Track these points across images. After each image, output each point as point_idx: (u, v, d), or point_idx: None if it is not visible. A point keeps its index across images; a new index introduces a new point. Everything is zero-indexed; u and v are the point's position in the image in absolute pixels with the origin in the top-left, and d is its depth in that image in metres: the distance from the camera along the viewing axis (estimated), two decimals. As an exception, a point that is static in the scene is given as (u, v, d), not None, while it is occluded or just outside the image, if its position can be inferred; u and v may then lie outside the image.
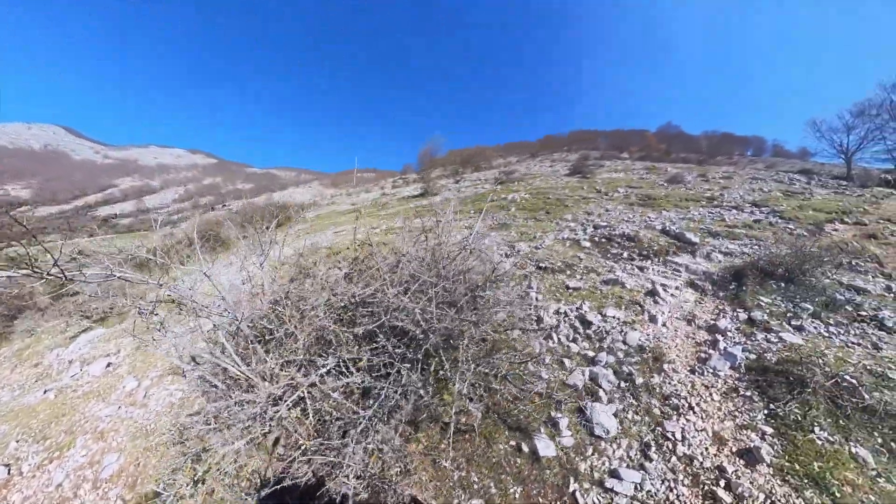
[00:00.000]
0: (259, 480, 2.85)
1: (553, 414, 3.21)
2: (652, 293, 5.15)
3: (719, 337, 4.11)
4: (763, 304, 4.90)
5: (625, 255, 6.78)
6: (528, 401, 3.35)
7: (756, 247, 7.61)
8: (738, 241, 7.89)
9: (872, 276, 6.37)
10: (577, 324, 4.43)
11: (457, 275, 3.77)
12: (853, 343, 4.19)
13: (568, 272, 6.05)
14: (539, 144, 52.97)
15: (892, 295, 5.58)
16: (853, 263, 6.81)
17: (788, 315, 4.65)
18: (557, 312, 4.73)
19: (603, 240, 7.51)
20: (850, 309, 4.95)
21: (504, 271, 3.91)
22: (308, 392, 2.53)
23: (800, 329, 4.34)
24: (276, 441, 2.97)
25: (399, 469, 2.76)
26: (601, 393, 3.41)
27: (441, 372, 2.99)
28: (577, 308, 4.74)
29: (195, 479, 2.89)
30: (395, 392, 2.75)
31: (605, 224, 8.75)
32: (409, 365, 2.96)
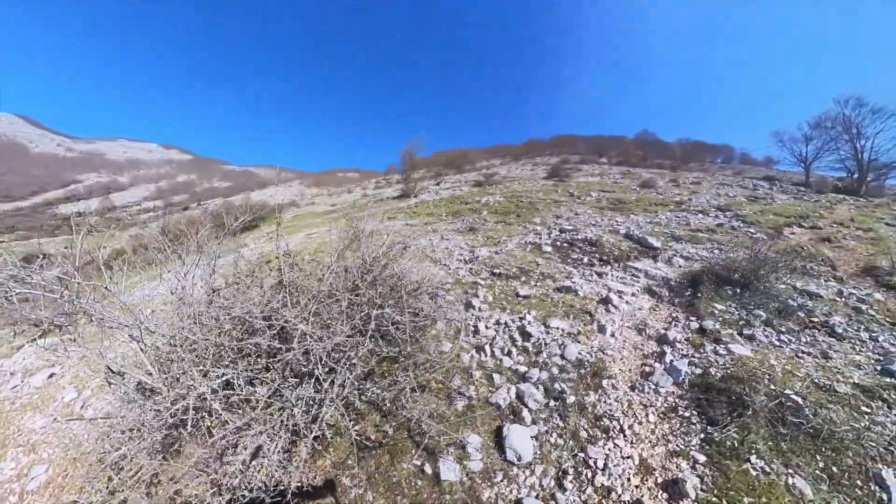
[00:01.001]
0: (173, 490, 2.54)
1: (466, 435, 2.88)
2: (605, 301, 4.90)
3: (667, 349, 3.87)
4: (716, 311, 4.73)
5: (585, 260, 6.56)
6: (445, 419, 3.04)
7: (716, 251, 7.58)
8: (700, 246, 7.84)
9: (825, 280, 6.38)
10: (517, 335, 4.11)
11: (371, 286, 3.40)
12: (803, 352, 4.05)
13: (523, 278, 5.76)
14: (522, 148, 53.40)
15: (842, 300, 5.55)
16: (807, 267, 6.83)
17: (741, 323, 4.49)
18: (498, 323, 4.40)
19: (565, 244, 7.28)
20: (802, 315, 4.86)
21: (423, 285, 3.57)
22: (201, 402, 2.43)
23: (751, 338, 4.17)
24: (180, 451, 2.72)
25: (299, 484, 2.43)
26: (525, 413, 3.08)
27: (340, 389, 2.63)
28: (520, 318, 4.42)
29: (110, 488, 2.75)
30: (292, 406, 2.44)
31: (570, 228, 8.56)
32: (297, 380, 2.65)
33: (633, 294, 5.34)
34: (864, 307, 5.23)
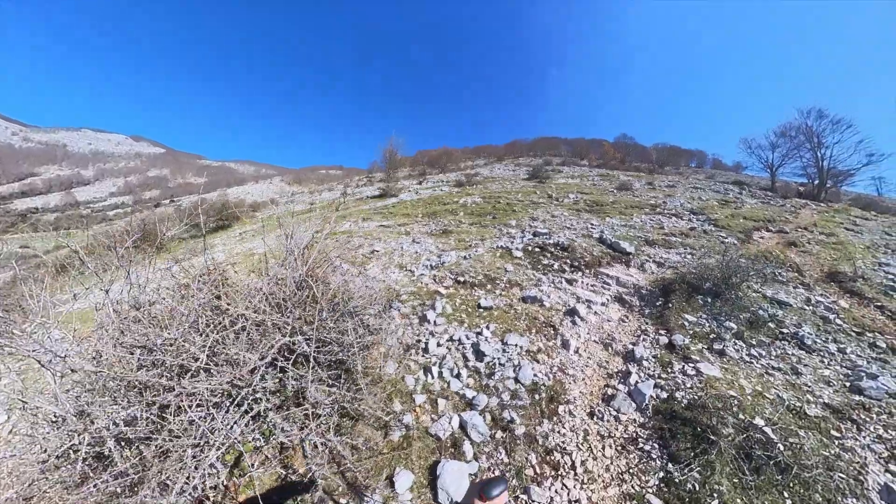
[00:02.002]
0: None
1: (397, 472, 2.47)
2: (572, 312, 4.58)
3: (633, 368, 3.56)
4: (687, 323, 4.49)
5: (556, 266, 6.26)
6: (377, 451, 2.63)
7: (689, 256, 7.47)
8: (673, 250, 7.71)
9: (794, 287, 6.34)
10: (470, 354, 3.71)
11: (300, 305, 2.93)
12: (774, 368, 3.86)
13: (488, 286, 5.39)
14: (505, 149, 53.44)
15: (810, 308, 5.48)
16: (776, 274, 6.80)
17: (711, 337, 4.27)
18: (451, 339, 4.00)
19: (536, 249, 6.97)
20: (772, 326, 4.71)
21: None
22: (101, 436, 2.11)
23: (721, 354, 3.94)
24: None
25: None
26: (467, 446, 2.69)
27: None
28: (477, 334, 4.04)
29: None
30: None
31: (544, 231, 8.28)
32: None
33: (603, 304, 5.06)
34: (831, 316, 5.17)
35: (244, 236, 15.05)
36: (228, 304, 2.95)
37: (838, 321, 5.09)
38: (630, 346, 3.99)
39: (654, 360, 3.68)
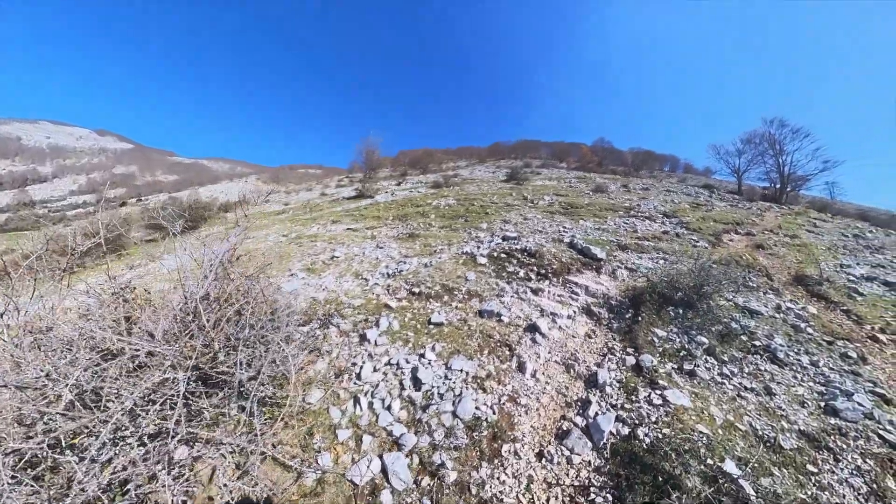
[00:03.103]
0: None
1: None
2: (533, 328, 4.12)
3: (594, 396, 3.12)
4: (657, 339, 4.12)
5: (521, 273, 5.81)
6: (286, 499, 2.07)
7: (662, 261, 7.24)
8: (646, 255, 7.46)
9: (764, 293, 6.18)
10: (408, 381, 3.18)
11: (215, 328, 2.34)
12: (746, 389, 3.52)
13: (445, 298, 4.87)
14: (487, 151, 53.46)
15: (781, 316, 5.29)
16: (746, 278, 6.64)
17: (682, 354, 3.91)
18: (390, 363, 3.45)
19: (503, 255, 6.52)
20: (744, 339, 4.44)
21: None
22: None
23: (692, 375, 3.57)
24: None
25: None
26: (386, 496, 2.17)
27: None
28: (420, 356, 3.51)
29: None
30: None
31: (514, 235, 7.86)
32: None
33: (570, 316, 4.64)
34: (802, 325, 4.97)
35: (207, 240, 13.98)
36: (121, 334, 2.33)
37: (809, 329, 4.89)
38: (594, 368, 3.56)
39: (618, 385, 3.26)
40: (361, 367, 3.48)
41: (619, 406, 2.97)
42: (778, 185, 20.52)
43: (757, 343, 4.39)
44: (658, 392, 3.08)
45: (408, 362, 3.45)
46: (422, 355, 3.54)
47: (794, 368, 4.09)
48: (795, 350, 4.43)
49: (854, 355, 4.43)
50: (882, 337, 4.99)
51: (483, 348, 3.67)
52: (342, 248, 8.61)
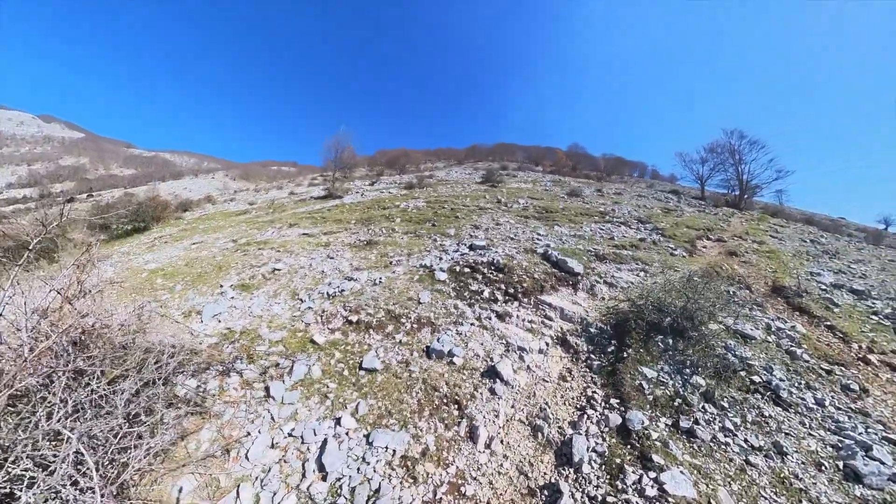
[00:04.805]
0: None
1: None
2: (493, 374, 3.21)
3: (566, 484, 2.24)
4: (646, 384, 3.32)
5: (486, 293, 4.92)
6: None
7: (641, 272, 6.62)
8: (625, 266, 6.81)
9: (750, 309, 5.68)
10: (312, 464, 2.20)
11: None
12: (754, 450, 2.80)
13: (389, 328, 3.88)
14: (465, 152, 52.85)
15: (774, 339, 4.73)
16: (731, 293, 6.15)
17: (677, 404, 3.14)
18: (292, 435, 2.44)
19: (466, 269, 5.60)
20: (742, 374, 3.75)
21: None
22: None
23: (690, 435, 2.81)
24: None
25: None
26: None
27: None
28: (335, 422, 2.51)
29: None
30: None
31: (482, 244, 6.99)
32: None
33: (541, 350, 3.79)
34: (796, 350, 4.45)
35: (157, 242, 12.17)
36: None
37: (805, 356, 4.36)
38: (569, 431, 2.69)
39: (598, 462, 2.40)
40: (255, 440, 2.44)
41: (599, 500, 2.11)
42: (736, 192, 21.46)
43: (756, 378, 3.75)
44: (652, 476, 2.24)
45: (316, 434, 2.44)
46: (339, 420, 2.54)
47: (800, 410, 3.49)
48: (797, 385, 3.83)
49: (856, 387, 3.94)
50: (873, 358, 4.65)
51: (424, 407, 2.71)
52: (289, 259, 7.43)
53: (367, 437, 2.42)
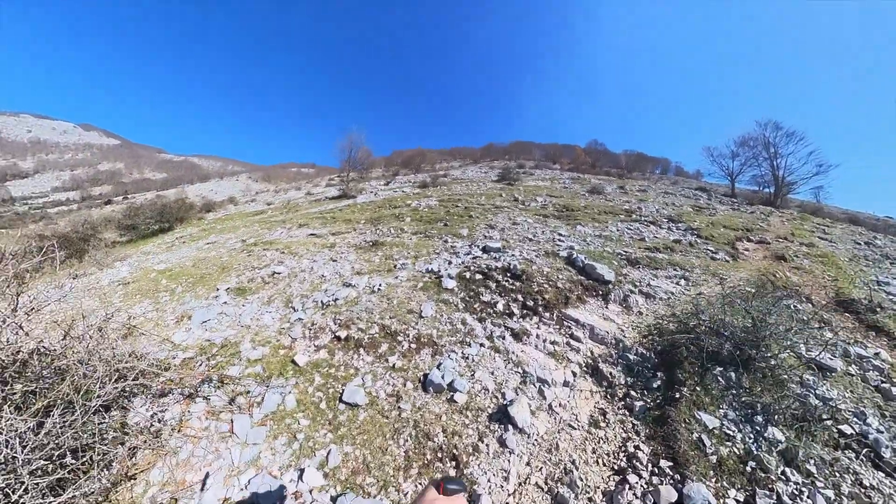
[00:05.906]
0: None
1: None
2: (503, 417, 2.51)
3: None
4: (706, 438, 2.54)
5: (500, 306, 4.22)
6: None
7: (683, 281, 5.71)
8: (662, 273, 5.92)
9: (818, 328, 4.67)
10: None
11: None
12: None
13: (383, 348, 3.26)
14: (481, 151, 51.99)
15: (858, 372, 3.77)
16: (795, 309, 5.16)
17: (750, 471, 2.35)
18: (245, 489, 1.85)
19: (478, 275, 4.91)
20: (829, 423, 2.88)
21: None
22: None
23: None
24: None
25: None
26: None
27: None
28: (300, 474, 1.89)
29: None
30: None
31: (497, 246, 6.28)
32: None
33: (566, 382, 3.07)
34: (889, 387, 3.45)
35: (176, 242, 12.20)
36: None
37: (901, 394, 3.38)
38: (606, 505, 1.98)
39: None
40: (208, 489, 1.89)
41: None
42: (772, 189, 19.66)
43: (847, 430, 2.88)
44: None
45: (271, 490, 1.85)
46: (302, 473, 1.94)
47: (910, 475, 2.58)
48: (900, 437, 2.92)
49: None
50: None
51: (412, 462, 2.06)
52: (291, 261, 7.02)
53: (333, 501, 1.81)
